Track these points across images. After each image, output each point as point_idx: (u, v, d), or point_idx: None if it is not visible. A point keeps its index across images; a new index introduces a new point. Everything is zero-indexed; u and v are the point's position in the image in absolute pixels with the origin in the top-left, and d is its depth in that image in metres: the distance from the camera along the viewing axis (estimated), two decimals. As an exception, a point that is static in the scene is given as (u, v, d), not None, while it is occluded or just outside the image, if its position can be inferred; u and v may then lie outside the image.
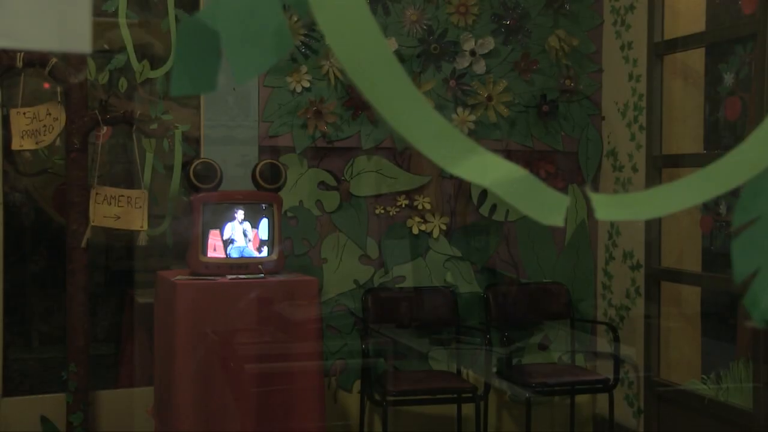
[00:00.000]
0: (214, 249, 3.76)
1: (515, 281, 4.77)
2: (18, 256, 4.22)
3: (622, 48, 4.71)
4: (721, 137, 4.74)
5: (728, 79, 4.44)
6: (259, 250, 3.83)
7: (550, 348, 4.79)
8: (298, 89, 4.39)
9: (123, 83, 4.17)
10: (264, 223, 3.85)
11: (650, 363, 4.41)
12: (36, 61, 3.74)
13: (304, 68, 4.40)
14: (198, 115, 4.30)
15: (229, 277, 3.71)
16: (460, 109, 4.65)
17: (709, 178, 0.65)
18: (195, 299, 3.62)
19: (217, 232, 3.78)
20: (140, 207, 3.88)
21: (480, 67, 4.67)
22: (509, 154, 4.63)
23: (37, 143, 3.85)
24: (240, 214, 3.82)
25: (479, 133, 4.63)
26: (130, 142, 4.06)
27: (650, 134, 4.42)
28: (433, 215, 4.63)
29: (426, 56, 4.59)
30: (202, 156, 4.15)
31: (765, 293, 0.69)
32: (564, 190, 4.74)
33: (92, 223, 3.82)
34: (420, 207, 4.61)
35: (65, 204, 3.86)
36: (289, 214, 4.39)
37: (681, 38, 4.31)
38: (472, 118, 4.66)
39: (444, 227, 4.64)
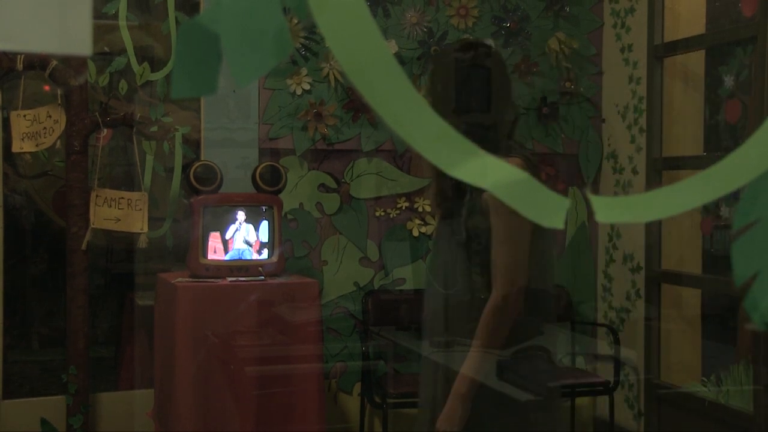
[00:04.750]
0: (215, 251, 3.76)
1: (515, 284, 4.76)
2: (18, 259, 4.22)
3: (622, 50, 4.71)
4: (721, 140, 4.75)
5: (728, 81, 4.44)
6: (260, 253, 3.83)
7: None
8: (299, 92, 4.39)
9: (123, 86, 4.17)
10: (264, 225, 3.85)
11: (651, 365, 4.41)
12: (36, 63, 3.74)
13: (304, 71, 4.40)
14: (198, 118, 4.30)
15: (230, 279, 3.71)
16: (460, 112, 4.64)
17: (710, 181, 0.65)
18: (195, 301, 3.62)
19: (217, 234, 3.78)
20: (140, 209, 3.88)
21: (480, 70, 4.67)
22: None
23: (37, 146, 3.85)
24: (240, 216, 3.82)
25: (479, 136, 4.63)
26: (130, 145, 4.06)
27: (650, 137, 4.42)
28: (434, 217, 4.63)
29: (426, 59, 4.59)
30: (202, 158, 4.15)
31: (765, 296, 0.69)
32: (564, 192, 4.74)
33: (92, 226, 3.82)
34: (420, 209, 4.61)
35: (65, 206, 3.86)
36: (290, 217, 4.39)
37: (681, 41, 4.31)
38: (473, 120, 4.65)
39: (444, 230, 4.64)
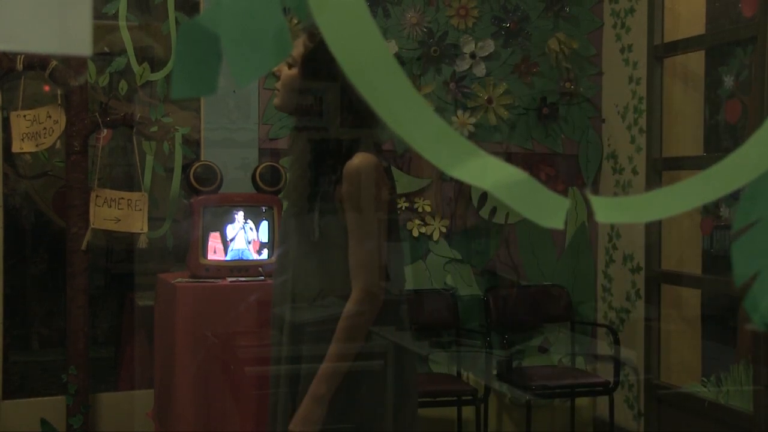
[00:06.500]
0: (215, 251, 3.76)
1: (515, 284, 4.76)
2: (18, 259, 4.22)
3: (622, 51, 4.71)
4: (721, 140, 4.75)
5: (728, 81, 4.44)
6: (259, 253, 3.83)
7: (550, 350, 4.79)
8: (299, 92, 4.39)
9: (123, 86, 4.17)
10: (264, 225, 3.85)
11: (650, 366, 4.41)
12: (36, 63, 3.74)
13: (304, 71, 4.39)
14: (198, 118, 4.30)
15: (230, 279, 3.71)
16: (460, 112, 4.65)
17: (710, 181, 0.65)
18: (195, 302, 3.61)
19: (217, 234, 3.78)
20: (140, 209, 3.88)
21: (480, 70, 4.67)
22: (509, 157, 4.63)
23: (37, 146, 3.85)
24: (240, 216, 3.82)
25: (479, 136, 4.63)
26: (130, 145, 4.06)
27: (650, 137, 4.42)
28: (433, 218, 4.63)
29: (426, 59, 4.59)
30: (202, 158, 4.15)
31: (765, 296, 0.69)
32: (564, 192, 4.74)
33: (92, 226, 3.82)
34: (420, 209, 4.61)
35: (65, 207, 3.86)
36: (290, 217, 4.39)
37: (681, 41, 4.32)
38: (472, 120, 4.66)
39: (444, 230, 4.64)
